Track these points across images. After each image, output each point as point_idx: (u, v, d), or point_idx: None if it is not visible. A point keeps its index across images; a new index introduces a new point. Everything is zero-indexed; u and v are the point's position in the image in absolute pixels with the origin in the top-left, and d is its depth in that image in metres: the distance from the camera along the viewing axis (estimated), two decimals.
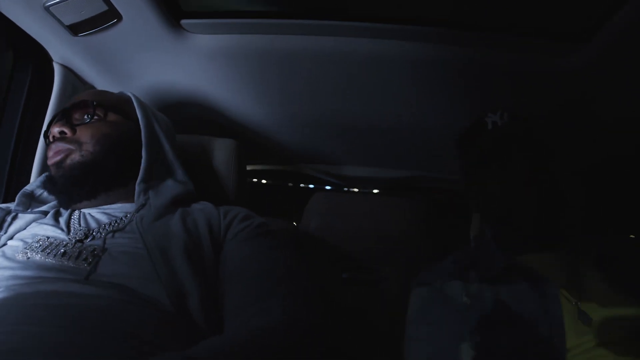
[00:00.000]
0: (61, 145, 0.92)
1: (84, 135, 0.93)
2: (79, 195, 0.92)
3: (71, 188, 0.90)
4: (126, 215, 0.89)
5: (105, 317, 0.66)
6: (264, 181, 2.07)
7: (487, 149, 0.98)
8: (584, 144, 1.42)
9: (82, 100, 0.98)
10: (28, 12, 1.03)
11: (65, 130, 0.92)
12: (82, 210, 0.92)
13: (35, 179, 1.06)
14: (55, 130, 0.93)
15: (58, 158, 0.91)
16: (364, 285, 1.30)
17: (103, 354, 0.62)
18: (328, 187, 1.97)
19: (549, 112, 1.30)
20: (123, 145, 0.96)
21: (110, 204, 0.94)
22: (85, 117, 0.96)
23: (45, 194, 1.00)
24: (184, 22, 1.14)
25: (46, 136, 0.98)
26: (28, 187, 1.00)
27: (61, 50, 1.18)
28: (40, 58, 1.18)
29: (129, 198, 0.95)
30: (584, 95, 1.23)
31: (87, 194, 0.92)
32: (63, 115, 0.96)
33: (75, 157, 0.91)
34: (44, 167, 1.10)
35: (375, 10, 1.12)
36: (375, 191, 1.77)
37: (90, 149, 0.92)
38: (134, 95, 1.07)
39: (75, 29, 1.09)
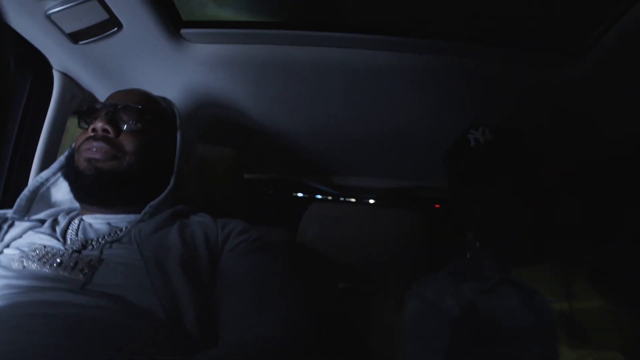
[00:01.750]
0: (105, 147, 0.88)
1: (128, 143, 0.90)
2: (98, 200, 0.91)
3: (94, 190, 0.88)
4: (126, 226, 0.88)
5: (100, 328, 0.66)
6: (261, 190, 2.07)
7: (471, 166, 0.96)
8: (577, 152, 1.43)
9: (134, 104, 0.94)
10: (29, 19, 1.04)
11: (110, 130, 0.89)
12: (83, 218, 0.91)
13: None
14: (100, 125, 0.89)
15: (96, 156, 0.88)
16: (361, 296, 1.29)
17: None
18: (325, 197, 1.96)
19: (544, 122, 1.31)
20: (157, 165, 0.95)
21: (116, 214, 0.92)
22: (132, 122, 0.92)
23: (55, 185, 0.99)
24: (183, 31, 1.15)
25: (81, 117, 0.95)
26: (42, 176, 0.98)
27: (61, 58, 1.19)
28: (40, 65, 1.18)
29: (135, 210, 0.92)
30: (579, 106, 1.24)
31: (105, 202, 0.91)
32: (110, 111, 0.92)
33: (114, 164, 0.89)
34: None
35: (374, 22, 1.13)
36: (372, 201, 1.77)
37: (131, 161, 0.90)
38: (178, 113, 1.04)
39: (75, 37, 1.10)
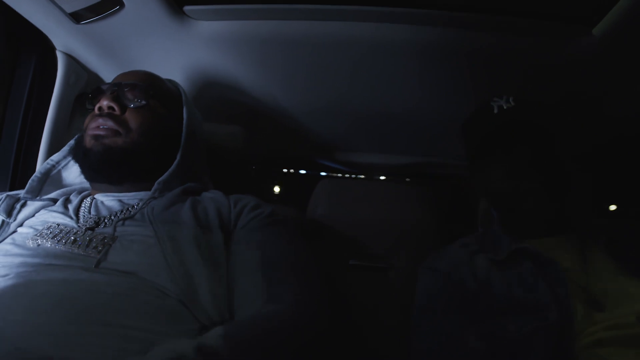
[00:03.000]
0: (110, 124, 0.90)
1: (133, 120, 0.92)
2: (106, 177, 0.91)
3: (102, 167, 0.89)
4: (138, 203, 0.89)
5: (114, 305, 0.66)
6: (269, 168, 2.07)
7: (492, 133, 0.97)
8: (591, 128, 1.41)
9: (139, 82, 0.95)
10: (30, 0, 1.02)
11: (115, 107, 0.91)
12: (95, 197, 0.92)
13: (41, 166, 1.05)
14: (105, 103, 0.91)
15: (101, 132, 0.90)
16: (372, 272, 1.30)
17: (112, 342, 0.62)
18: (334, 174, 1.96)
19: (557, 98, 1.28)
20: (164, 142, 0.96)
21: (127, 191, 0.93)
22: (137, 100, 0.94)
23: (67, 167, 1.01)
24: (186, 8, 1.13)
25: (88, 99, 0.96)
26: (53, 158, 1.00)
27: (64, 39, 1.17)
28: (43, 46, 1.17)
29: (146, 187, 0.94)
30: (592, 80, 1.22)
31: (114, 180, 0.92)
32: (114, 90, 0.93)
33: (119, 140, 0.90)
34: (50, 155, 1.10)
35: None
36: (382, 178, 1.76)
37: (135, 138, 0.91)
38: (184, 93, 1.06)
39: (77, 17, 1.09)
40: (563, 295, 0.84)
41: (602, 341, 0.79)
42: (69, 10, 1.06)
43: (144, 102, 0.94)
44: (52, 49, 1.19)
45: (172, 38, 1.19)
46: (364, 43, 1.16)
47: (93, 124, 0.91)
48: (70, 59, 1.22)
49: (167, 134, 0.97)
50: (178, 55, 1.26)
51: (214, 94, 1.39)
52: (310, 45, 1.18)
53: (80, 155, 0.93)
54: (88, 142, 0.91)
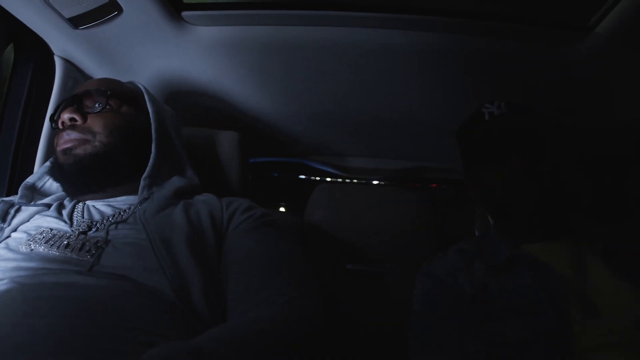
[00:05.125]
0: (73, 134, 0.90)
1: (96, 124, 0.91)
2: (86, 187, 0.91)
3: (79, 178, 0.89)
4: (130, 207, 0.89)
5: (109, 309, 0.66)
6: (268, 174, 2.07)
7: (485, 140, 0.97)
8: (588, 133, 1.41)
9: (94, 88, 0.96)
10: (28, 5, 1.03)
11: (76, 117, 0.91)
12: (86, 202, 0.91)
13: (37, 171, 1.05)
14: (66, 116, 0.91)
15: (69, 145, 0.90)
16: (368, 277, 1.30)
17: (106, 345, 0.62)
18: (331, 179, 1.96)
19: (553, 103, 1.29)
20: (134, 139, 0.95)
21: (115, 196, 0.93)
22: (97, 105, 0.94)
23: (48, 184, 1.00)
24: (185, 14, 1.13)
25: (53, 120, 0.96)
26: (30, 179, 0.99)
27: (62, 44, 1.18)
28: (41, 51, 1.17)
29: (134, 191, 0.94)
30: (589, 85, 1.22)
31: (95, 187, 0.92)
32: (73, 101, 0.93)
33: (88, 147, 0.90)
34: (47, 160, 1.10)
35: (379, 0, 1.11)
36: (379, 182, 1.76)
37: (103, 140, 0.91)
38: (145, 88, 1.06)
39: (75, 22, 1.09)
40: (559, 301, 0.84)
41: (598, 347, 0.79)
42: (68, 15, 1.06)
43: (103, 105, 0.94)
44: (50, 53, 1.19)
45: (170, 43, 1.20)
46: (361, 48, 1.17)
47: (60, 140, 0.91)
48: (68, 64, 1.22)
49: (136, 131, 0.96)
50: (176, 60, 1.27)
51: (211, 99, 1.39)
52: (307, 50, 1.19)
53: (56, 173, 0.93)
54: (60, 157, 0.91)
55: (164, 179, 0.95)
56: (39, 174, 1.01)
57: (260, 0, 1.16)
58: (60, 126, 0.93)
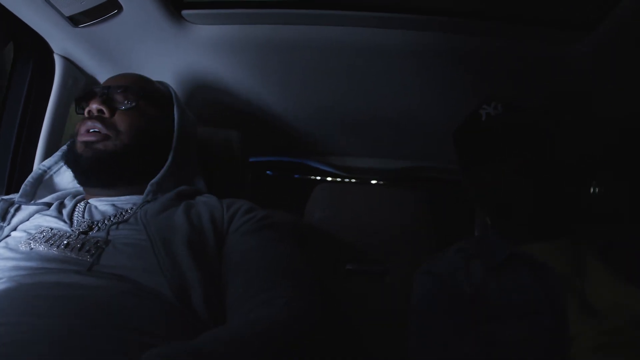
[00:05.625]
0: (99, 126, 0.89)
1: (122, 122, 0.91)
2: (98, 181, 0.91)
3: (93, 172, 0.89)
4: (132, 207, 0.89)
5: (108, 309, 0.66)
6: (266, 172, 2.07)
7: (482, 141, 0.97)
8: (586, 132, 1.41)
9: (128, 84, 0.95)
10: (28, 3, 1.03)
11: (105, 110, 0.91)
12: (88, 201, 0.91)
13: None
14: (94, 106, 0.90)
15: (91, 139, 0.89)
16: (368, 277, 1.30)
17: (105, 345, 0.62)
18: (331, 179, 1.96)
19: (551, 102, 1.29)
20: (155, 143, 0.95)
21: (120, 195, 0.93)
22: (126, 102, 0.93)
23: (60, 172, 1.00)
24: (184, 12, 1.13)
25: (79, 105, 0.96)
26: (45, 164, 1.00)
27: (62, 42, 1.18)
28: (41, 50, 1.17)
29: (139, 191, 0.93)
30: (587, 84, 1.22)
31: (106, 183, 0.92)
32: (104, 93, 0.93)
33: (109, 144, 0.89)
34: (46, 158, 1.10)
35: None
36: (379, 182, 1.76)
37: (125, 140, 0.90)
38: (175, 93, 1.06)
39: (75, 20, 1.09)
40: (558, 300, 0.84)
41: (596, 347, 0.79)
42: (68, 13, 1.06)
43: (133, 103, 0.93)
44: (50, 52, 1.19)
45: (170, 42, 1.20)
46: (360, 48, 1.17)
47: (83, 128, 0.91)
48: (68, 62, 1.22)
49: (158, 134, 0.96)
50: (176, 58, 1.27)
51: (210, 97, 1.39)
52: (307, 49, 1.19)
53: (72, 161, 0.93)
54: (79, 147, 0.91)
55: (172, 187, 0.95)
56: (56, 157, 1.01)
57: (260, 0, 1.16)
58: (86, 114, 0.92)
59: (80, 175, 0.92)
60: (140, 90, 0.95)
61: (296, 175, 2.07)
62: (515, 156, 0.93)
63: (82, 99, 0.96)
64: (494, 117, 0.97)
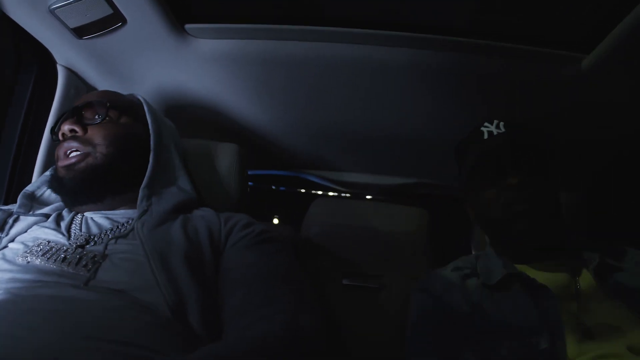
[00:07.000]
0: (75, 145, 0.91)
1: (97, 136, 0.92)
2: (87, 198, 0.92)
3: (78, 191, 0.90)
4: (128, 222, 0.89)
5: (104, 323, 0.66)
6: (265, 186, 2.07)
7: (483, 159, 0.98)
8: (586, 150, 1.42)
9: (94, 100, 0.97)
10: (33, 14, 1.04)
11: (77, 129, 0.92)
12: (84, 214, 0.91)
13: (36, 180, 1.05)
14: (66, 127, 0.92)
15: (72, 161, 0.90)
16: (365, 292, 1.29)
17: (100, 359, 0.61)
18: (329, 194, 1.96)
19: (551, 121, 1.30)
20: (134, 149, 0.96)
21: (114, 209, 0.93)
22: (97, 117, 0.95)
23: (47, 194, 1.00)
24: (188, 26, 1.14)
25: (53, 132, 0.97)
26: (29, 188, 1.00)
27: (65, 53, 1.18)
28: (44, 60, 1.18)
29: (132, 203, 0.94)
30: (586, 104, 1.24)
31: (95, 198, 0.92)
32: (73, 113, 0.95)
33: (89, 160, 0.90)
34: (46, 169, 1.10)
35: (381, 17, 1.12)
36: (376, 198, 1.76)
37: (103, 151, 0.91)
38: (144, 100, 1.07)
39: (80, 32, 1.10)
40: (554, 321, 0.84)
41: None
42: (72, 25, 1.07)
43: (103, 116, 0.95)
44: (53, 62, 1.20)
45: (172, 55, 1.20)
46: (361, 65, 1.18)
47: (61, 152, 0.92)
48: (71, 73, 1.23)
49: (134, 141, 0.97)
50: (177, 71, 1.28)
51: (210, 110, 1.40)
52: (308, 66, 1.20)
53: (57, 187, 0.94)
54: (61, 172, 0.92)
55: (162, 189, 0.96)
56: (38, 183, 1.01)
57: (262, 15, 1.17)
58: (60, 137, 0.94)
59: (68, 197, 0.93)
60: (107, 101, 0.96)
61: (294, 189, 2.07)
62: (515, 174, 0.93)
63: (54, 127, 0.98)
64: (495, 136, 0.98)
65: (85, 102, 0.96)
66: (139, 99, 1.08)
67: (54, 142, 0.97)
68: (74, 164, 0.90)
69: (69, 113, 0.96)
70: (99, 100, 0.96)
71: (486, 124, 1.02)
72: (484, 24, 1.12)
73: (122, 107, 1.00)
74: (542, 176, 0.96)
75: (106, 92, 1.04)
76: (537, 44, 1.13)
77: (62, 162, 0.92)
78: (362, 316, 1.27)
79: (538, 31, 1.14)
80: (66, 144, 0.91)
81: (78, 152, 0.91)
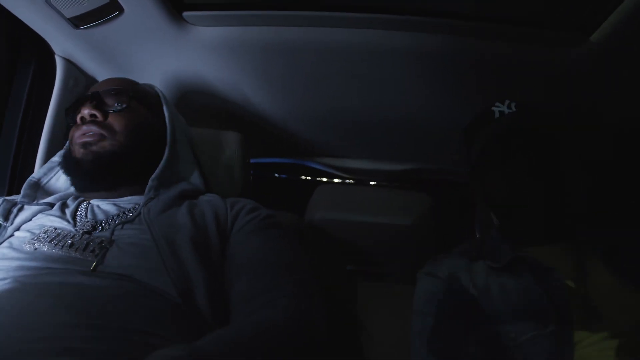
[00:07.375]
0: (94, 129, 0.90)
1: (117, 123, 0.92)
2: (100, 184, 0.91)
3: (95, 175, 0.89)
4: (134, 207, 0.89)
5: (112, 309, 0.66)
6: (267, 174, 2.07)
7: (493, 139, 0.97)
8: (592, 136, 1.41)
9: (117, 87, 0.96)
10: (29, 5, 1.03)
11: (97, 114, 0.91)
12: (90, 201, 0.91)
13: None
14: (86, 112, 0.90)
15: (89, 139, 0.89)
16: (369, 278, 1.30)
17: (109, 346, 0.61)
18: (332, 180, 1.96)
19: (555, 105, 1.29)
20: (150, 141, 0.96)
21: (121, 196, 0.93)
22: (117, 105, 0.94)
23: (52, 182, 1.00)
24: (185, 14, 1.13)
25: (69, 115, 0.97)
26: (35, 175, 0.99)
27: (63, 43, 1.18)
28: (42, 51, 1.17)
29: (140, 191, 0.93)
30: (591, 87, 1.22)
31: (108, 185, 0.92)
32: (94, 98, 0.93)
33: (106, 144, 0.90)
34: (47, 159, 1.10)
35: (380, 1, 1.11)
36: (379, 184, 1.76)
37: (122, 140, 0.91)
38: (161, 92, 1.07)
39: (77, 22, 1.09)
40: (562, 303, 0.84)
41: (600, 349, 0.79)
42: (69, 15, 1.06)
43: (124, 105, 0.94)
44: (51, 53, 1.19)
45: (171, 43, 1.20)
46: (362, 50, 1.17)
47: (78, 133, 0.91)
48: (69, 63, 1.22)
49: (152, 133, 0.97)
50: (177, 60, 1.27)
51: (211, 98, 1.39)
52: (308, 51, 1.19)
53: (71, 167, 0.92)
54: (77, 152, 0.91)
55: (172, 182, 0.96)
56: (45, 170, 1.01)
57: (261, 1, 1.16)
58: (79, 120, 0.92)
59: (81, 179, 0.92)
60: (130, 91, 0.96)
61: (297, 177, 2.07)
62: (524, 156, 0.93)
63: (72, 109, 0.97)
64: (506, 116, 0.97)
65: (108, 89, 0.95)
66: (155, 91, 1.07)
67: (56, 133, 0.96)
68: (90, 143, 0.89)
69: (90, 96, 0.94)
70: (121, 89, 0.96)
71: (497, 103, 1.00)
72: (484, 6, 1.11)
73: (142, 97, 1.00)
74: (553, 159, 0.95)
75: (128, 81, 1.03)
76: (538, 27, 1.12)
77: (79, 139, 0.90)
78: (366, 302, 1.28)
79: (539, 15, 1.12)
80: (86, 127, 0.90)
81: (95, 134, 0.90)
